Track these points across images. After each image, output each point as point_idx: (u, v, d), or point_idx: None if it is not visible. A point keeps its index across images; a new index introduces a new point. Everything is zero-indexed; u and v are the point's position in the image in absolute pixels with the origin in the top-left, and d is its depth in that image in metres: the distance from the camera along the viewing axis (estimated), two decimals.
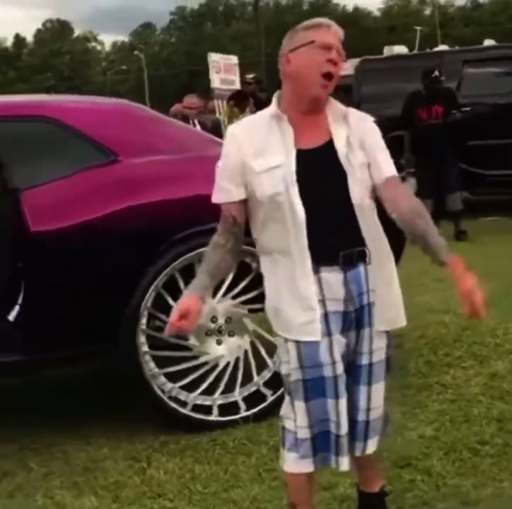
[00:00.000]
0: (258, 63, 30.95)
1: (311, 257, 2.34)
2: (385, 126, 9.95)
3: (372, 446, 2.54)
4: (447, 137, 8.12)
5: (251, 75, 9.68)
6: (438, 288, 5.97)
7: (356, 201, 2.36)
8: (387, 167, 2.40)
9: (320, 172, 2.36)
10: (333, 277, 2.36)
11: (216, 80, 29.05)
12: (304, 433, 2.43)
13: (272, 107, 2.42)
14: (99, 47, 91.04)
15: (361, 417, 2.49)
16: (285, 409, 2.50)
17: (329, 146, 2.38)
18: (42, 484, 3.33)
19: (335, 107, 2.43)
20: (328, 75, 2.33)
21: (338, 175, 2.36)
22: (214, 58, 30.18)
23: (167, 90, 50.25)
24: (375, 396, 2.50)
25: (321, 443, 2.44)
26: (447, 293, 5.80)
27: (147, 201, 3.61)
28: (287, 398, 2.49)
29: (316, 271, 2.35)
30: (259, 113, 2.50)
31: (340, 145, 2.38)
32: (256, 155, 2.35)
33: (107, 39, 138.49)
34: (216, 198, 2.47)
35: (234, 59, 32.35)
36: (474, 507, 2.87)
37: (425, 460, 3.22)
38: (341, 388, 2.40)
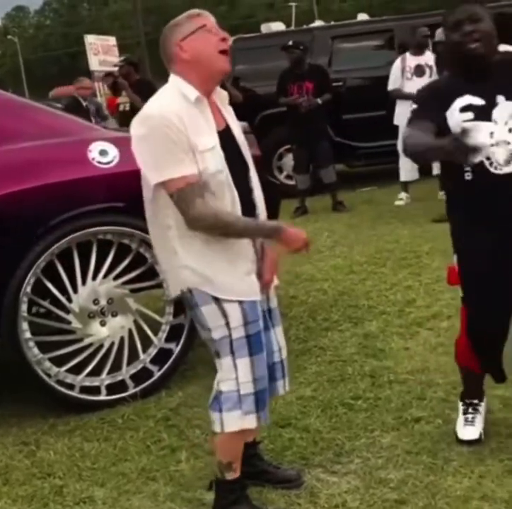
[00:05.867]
0: (138, 43, 30.53)
1: None
2: (262, 103, 10.05)
3: (289, 382, 2.85)
4: (317, 114, 8.19)
5: (121, 58, 9.57)
6: (318, 258, 6.22)
7: (254, 177, 2.66)
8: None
9: (231, 151, 2.57)
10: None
11: (94, 63, 28.25)
12: (248, 388, 2.56)
13: (190, 90, 2.49)
14: None
15: (277, 358, 2.76)
16: (222, 373, 2.58)
17: (229, 129, 2.62)
18: None
19: (221, 92, 2.67)
20: (224, 52, 2.54)
21: (242, 153, 2.65)
22: (91, 40, 29.28)
23: (47, 74, 48.81)
24: (281, 336, 2.79)
25: (262, 400, 2.60)
26: (326, 263, 6.07)
27: (20, 188, 3.62)
28: (225, 360, 2.57)
29: None
30: (174, 95, 2.49)
31: (234, 127, 2.65)
32: (196, 134, 2.45)
33: None
34: (183, 171, 2.42)
35: (112, 40, 31.52)
36: (347, 457, 3.08)
37: (303, 419, 3.42)
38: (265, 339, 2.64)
